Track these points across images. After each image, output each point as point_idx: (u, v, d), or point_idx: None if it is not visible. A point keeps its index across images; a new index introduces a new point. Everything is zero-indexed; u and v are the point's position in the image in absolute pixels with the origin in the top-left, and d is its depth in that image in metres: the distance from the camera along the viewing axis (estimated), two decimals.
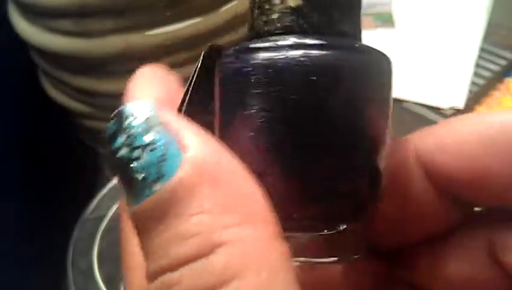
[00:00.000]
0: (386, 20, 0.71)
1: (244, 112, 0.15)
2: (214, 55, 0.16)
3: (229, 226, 0.13)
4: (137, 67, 0.52)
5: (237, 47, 0.16)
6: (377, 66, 0.16)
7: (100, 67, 0.54)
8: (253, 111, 0.15)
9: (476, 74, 0.62)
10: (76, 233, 0.48)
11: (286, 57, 0.15)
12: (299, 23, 0.15)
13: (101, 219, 0.50)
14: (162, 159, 0.13)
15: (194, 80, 0.17)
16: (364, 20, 0.73)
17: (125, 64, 0.53)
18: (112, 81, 0.55)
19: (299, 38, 0.15)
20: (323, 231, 0.16)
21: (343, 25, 0.16)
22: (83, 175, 0.69)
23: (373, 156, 0.16)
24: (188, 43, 0.51)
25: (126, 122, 0.14)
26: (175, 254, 0.13)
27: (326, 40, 0.15)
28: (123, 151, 0.14)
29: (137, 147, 0.14)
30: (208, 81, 0.17)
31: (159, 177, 0.13)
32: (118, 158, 0.14)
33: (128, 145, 0.14)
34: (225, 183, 0.13)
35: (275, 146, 0.15)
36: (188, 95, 0.17)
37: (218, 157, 0.14)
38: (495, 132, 0.16)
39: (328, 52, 0.15)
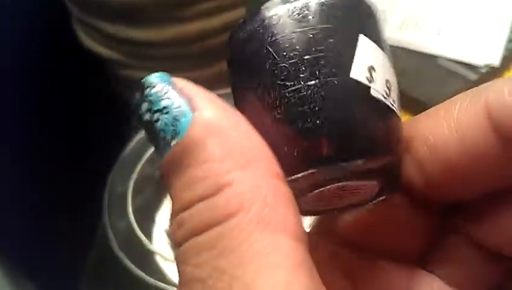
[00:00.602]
0: None
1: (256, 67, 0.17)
2: None
3: (232, 170, 0.15)
4: (170, 15, 0.52)
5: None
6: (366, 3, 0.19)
7: (134, 14, 0.54)
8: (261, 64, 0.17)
9: None
10: (111, 175, 0.50)
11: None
12: None
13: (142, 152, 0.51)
14: (176, 119, 0.16)
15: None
16: None
17: (159, 11, 0.53)
18: (145, 30, 0.55)
19: None
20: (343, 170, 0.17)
21: None
22: (115, 123, 0.70)
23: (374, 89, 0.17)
24: None
25: (146, 91, 0.17)
26: (185, 197, 0.15)
27: None
28: (146, 116, 0.16)
29: (156, 111, 0.16)
30: None
31: (175, 134, 0.16)
32: (143, 122, 0.17)
33: (149, 110, 0.16)
34: (228, 136, 0.16)
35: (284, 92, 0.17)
36: None
37: (223, 115, 0.16)
38: None
39: None
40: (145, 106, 0.16)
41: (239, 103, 0.18)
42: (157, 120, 0.16)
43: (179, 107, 0.16)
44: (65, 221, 0.61)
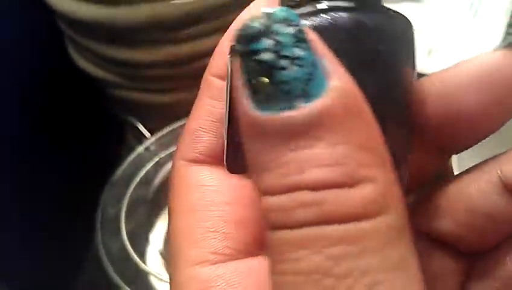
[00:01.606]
0: None
1: None
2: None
3: (373, 165, 0.13)
4: (164, 36, 0.52)
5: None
6: (400, 24, 0.18)
7: (127, 36, 0.54)
8: None
9: None
10: (104, 196, 0.50)
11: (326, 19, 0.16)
12: None
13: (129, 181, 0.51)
14: (309, 77, 0.13)
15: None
16: None
17: (152, 33, 0.53)
18: (138, 51, 0.55)
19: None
20: None
21: None
22: (107, 143, 0.70)
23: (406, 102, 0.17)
24: (216, 12, 0.51)
25: (275, 27, 0.13)
26: (316, 175, 0.13)
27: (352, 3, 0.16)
28: (267, 56, 0.13)
29: (286, 57, 0.13)
30: None
31: (304, 95, 0.13)
32: (257, 60, 0.13)
33: (275, 52, 0.13)
34: (365, 122, 0.14)
35: None
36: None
37: (359, 95, 0.14)
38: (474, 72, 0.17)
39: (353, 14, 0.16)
40: (267, 42, 0.13)
41: None
42: (283, 68, 0.13)
43: (314, 64, 0.13)
44: (56, 241, 0.61)
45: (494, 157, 0.19)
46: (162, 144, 0.54)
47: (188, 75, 0.56)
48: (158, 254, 0.49)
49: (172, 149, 0.53)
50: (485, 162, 0.19)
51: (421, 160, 0.19)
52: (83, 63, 0.62)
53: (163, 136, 0.54)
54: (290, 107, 0.13)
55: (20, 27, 0.63)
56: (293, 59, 0.13)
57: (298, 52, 0.13)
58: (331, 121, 0.13)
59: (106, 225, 0.47)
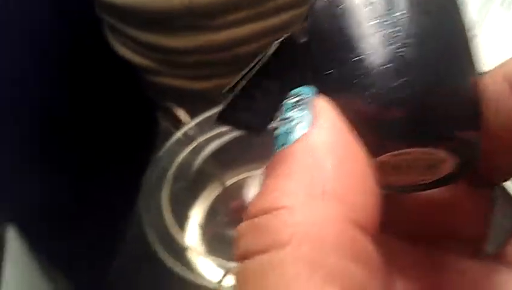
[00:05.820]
0: None
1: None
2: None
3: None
4: (202, 23, 0.51)
5: None
6: None
7: (165, 22, 0.55)
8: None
9: None
10: (145, 177, 0.51)
11: None
12: None
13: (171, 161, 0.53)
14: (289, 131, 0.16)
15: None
16: None
17: (190, 19, 0.54)
18: (176, 37, 0.56)
19: None
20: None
21: None
22: (143, 128, 0.71)
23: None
24: (252, 0, 0.52)
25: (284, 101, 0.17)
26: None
27: None
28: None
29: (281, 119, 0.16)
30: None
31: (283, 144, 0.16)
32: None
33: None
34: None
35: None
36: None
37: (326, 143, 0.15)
38: None
39: None
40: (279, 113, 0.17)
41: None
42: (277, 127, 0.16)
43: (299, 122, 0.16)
44: (95, 225, 0.62)
45: None
46: (201, 129, 0.55)
47: (226, 62, 0.57)
48: (198, 227, 0.51)
49: (210, 134, 0.54)
50: None
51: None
52: (120, 49, 0.63)
53: (201, 121, 0.55)
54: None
55: (58, 13, 0.64)
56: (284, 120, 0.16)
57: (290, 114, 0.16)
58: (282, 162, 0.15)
59: (148, 199, 0.48)
